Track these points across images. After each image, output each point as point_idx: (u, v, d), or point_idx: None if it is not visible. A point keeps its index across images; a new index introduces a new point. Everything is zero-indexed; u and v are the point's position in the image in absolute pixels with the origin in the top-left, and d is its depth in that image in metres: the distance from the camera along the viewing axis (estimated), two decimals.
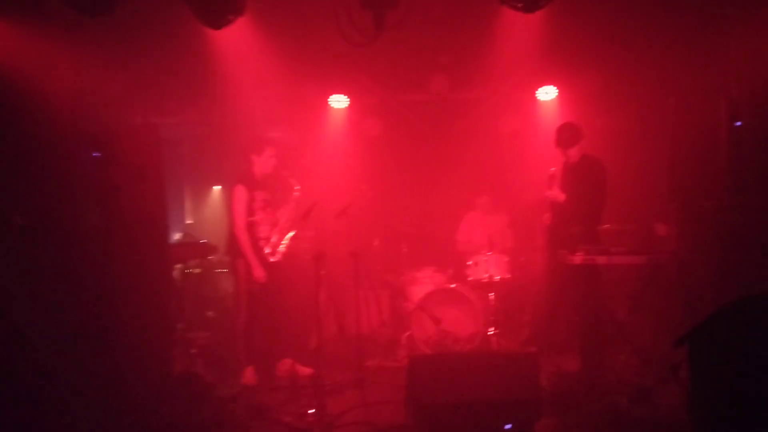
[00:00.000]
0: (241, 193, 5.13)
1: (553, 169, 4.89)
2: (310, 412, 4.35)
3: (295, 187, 5.31)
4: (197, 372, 4.97)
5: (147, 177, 4.71)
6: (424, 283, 6.05)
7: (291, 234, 5.35)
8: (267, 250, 5.21)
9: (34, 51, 4.39)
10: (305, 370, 5.18)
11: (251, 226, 5.16)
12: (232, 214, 5.19)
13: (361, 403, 4.56)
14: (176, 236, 6.75)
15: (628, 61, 5.64)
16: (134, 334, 4.49)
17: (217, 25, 4.64)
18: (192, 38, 5.11)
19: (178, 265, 5.95)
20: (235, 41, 5.22)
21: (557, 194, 4.82)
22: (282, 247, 5.28)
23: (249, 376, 5.14)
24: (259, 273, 5.08)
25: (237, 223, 5.14)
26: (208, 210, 8.24)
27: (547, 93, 6.58)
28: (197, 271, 6.55)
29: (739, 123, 4.76)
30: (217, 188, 8.29)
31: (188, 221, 7.95)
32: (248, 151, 5.26)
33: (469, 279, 5.96)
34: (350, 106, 6.90)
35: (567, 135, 4.87)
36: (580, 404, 4.29)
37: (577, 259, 4.63)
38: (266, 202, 5.27)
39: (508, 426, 3.74)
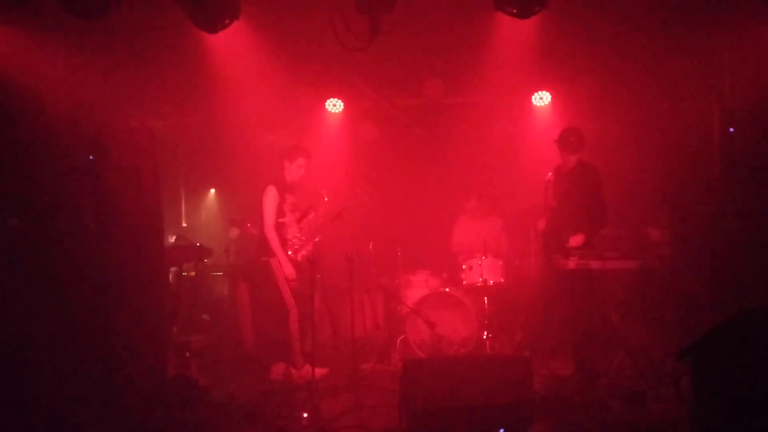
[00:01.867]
0: (272, 193, 5.29)
1: (549, 174, 4.92)
2: (304, 415, 4.33)
3: (325, 197, 5.48)
4: (191, 375, 4.95)
5: (142, 180, 4.73)
6: (418, 286, 6.07)
7: (317, 239, 5.47)
8: (290, 252, 5.31)
9: (29, 54, 4.39)
10: (306, 371, 5.10)
11: (280, 227, 5.30)
12: (262, 213, 5.31)
13: (355, 406, 4.56)
14: (171, 239, 6.73)
15: (622, 67, 5.67)
16: (128, 337, 4.49)
17: (213, 28, 4.64)
18: (188, 42, 5.12)
19: (173, 268, 5.94)
20: (231, 45, 5.23)
21: (551, 200, 4.86)
22: (305, 251, 5.34)
23: (278, 371, 5.24)
24: (289, 270, 5.22)
25: (267, 222, 5.28)
26: (203, 213, 8.23)
27: (542, 98, 6.60)
28: (192, 274, 6.53)
29: (732, 129, 4.78)
30: (212, 191, 8.29)
31: (183, 224, 7.94)
32: (281, 157, 5.43)
33: (464, 283, 5.97)
34: (345, 110, 6.91)
35: (573, 140, 4.90)
36: (573, 408, 4.29)
37: (571, 263, 4.65)
38: (295, 205, 5.43)
39: (501, 430, 3.73)
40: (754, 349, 2.13)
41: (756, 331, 2.15)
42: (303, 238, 5.40)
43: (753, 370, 2.11)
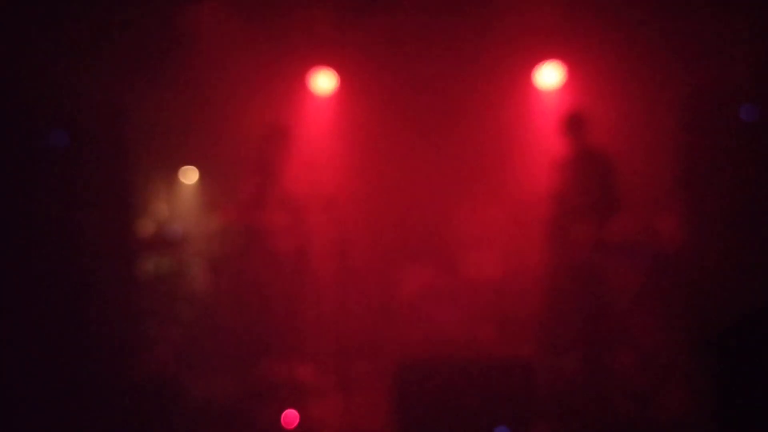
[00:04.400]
0: (247, 180, 5.18)
1: (560, 159, 4.84)
2: (289, 416, 4.18)
3: (314, 182, 5.35)
4: (169, 373, 4.81)
5: (115, 163, 4.65)
6: (414, 279, 5.90)
7: (304, 227, 5.32)
8: (275, 242, 5.17)
9: None
10: (292, 370, 5.04)
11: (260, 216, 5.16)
12: (241, 198, 5.19)
13: (345, 407, 4.43)
14: (148, 227, 6.52)
15: (639, 44, 5.47)
16: (103, 331, 4.37)
17: None
18: (164, 15, 4.88)
19: (151, 258, 5.77)
20: (212, 16, 5.02)
21: (561, 187, 4.78)
22: (292, 241, 5.22)
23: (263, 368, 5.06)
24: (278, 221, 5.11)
25: (235, 206, 5.19)
26: (183, 199, 8.02)
27: (548, 75, 6.34)
28: (171, 264, 6.34)
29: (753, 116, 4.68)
30: (193, 175, 8.05)
31: (161, 211, 7.73)
32: (262, 139, 5.28)
33: (464, 276, 5.82)
34: (339, 87, 6.67)
35: (572, 124, 4.84)
36: (577, 407, 4.22)
37: (578, 255, 4.58)
38: (280, 191, 5.27)
39: (502, 429, 3.66)
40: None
41: None
42: (289, 226, 5.22)
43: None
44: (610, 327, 4.76)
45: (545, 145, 5.21)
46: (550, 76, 6.15)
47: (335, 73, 6.31)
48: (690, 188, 4.84)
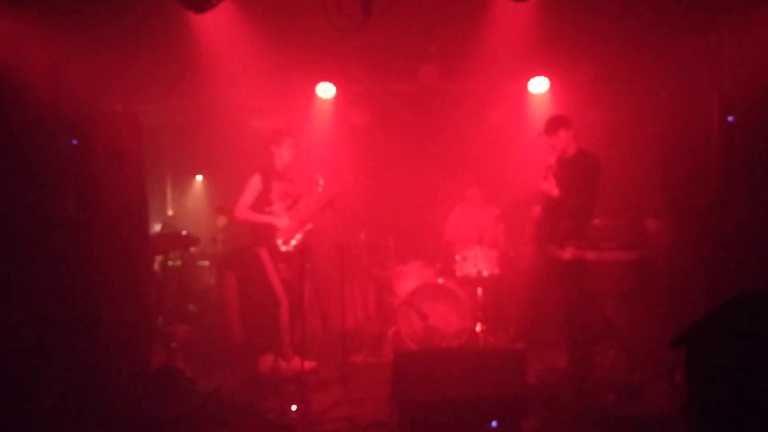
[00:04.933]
0: (254, 181, 5.21)
1: (551, 160, 4.83)
2: (293, 408, 4.29)
3: (320, 182, 5.32)
4: (177, 366, 4.86)
5: (127, 166, 4.61)
6: (411, 277, 5.98)
7: (308, 227, 5.33)
8: (279, 241, 5.19)
9: (9, 35, 4.24)
10: (295, 364, 5.04)
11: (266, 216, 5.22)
12: (238, 200, 5.23)
13: (346, 399, 4.51)
14: (157, 227, 6.62)
15: (620, 53, 5.58)
16: (113, 328, 4.41)
17: (200, 8, 4.50)
18: (174, 23, 4.97)
19: (159, 257, 5.82)
20: (218, 26, 5.10)
21: (552, 187, 4.75)
22: (295, 240, 5.22)
23: (267, 363, 5.14)
24: (283, 222, 5.17)
25: (237, 205, 5.20)
26: (189, 201, 8.12)
27: (539, 85, 6.50)
28: (178, 263, 6.45)
29: (731, 118, 4.73)
30: (199, 178, 8.16)
31: (169, 212, 7.83)
32: (268, 143, 5.32)
33: (457, 274, 5.90)
34: (337, 95, 6.78)
35: (552, 123, 4.84)
36: (567, 401, 4.27)
37: (567, 254, 4.59)
38: (286, 193, 5.32)
39: (494, 423, 3.70)
40: (750, 334, 2.08)
41: (753, 316, 2.10)
42: (293, 226, 5.26)
43: (750, 356, 2.06)
44: (597, 323, 4.79)
45: (534, 149, 5.26)
46: (539, 86, 6.34)
47: (335, 83, 6.47)
48: (671, 191, 4.88)
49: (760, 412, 2.04)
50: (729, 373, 2.20)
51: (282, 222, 5.18)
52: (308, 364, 4.86)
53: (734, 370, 2.17)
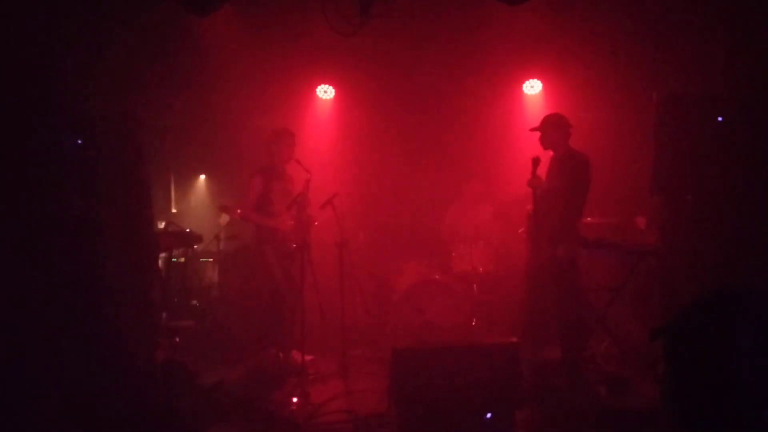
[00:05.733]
0: (255, 182, 5.26)
1: (536, 156, 4.85)
2: (293, 401, 4.37)
3: (307, 176, 5.22)
4: (181, 361, 4.86)
5: (131, 165, 4.67)
6: (408, 273, 6.06)
7: (313, 224, 5.39)
8: (282, 239, 5.24)
9: (14, 37, 4.29)
10: (295, 358, 5.12)
11: (269, 216, 5.27)
12: (243, 201, 5.29)
13: (345, 392, 4.58)
14: (161, 225, 6.67)
15: (612, 55, 5.64)
16: (118, 323, 4.40)
17: (203, 11, 4.58)
18: (177, 25, 5.04)
19: (163, 254, 5.85)
20: (220, 29, 5.16)
21: (539, 182, 4.77)
22: (297, 238, 5.21)
23: (268, 357, 5.18)
24: (285, 224, 5.19)
25: (242, 207, 5.27)
26: (193, 199, 8.18)
27: (533, 87, 6.58)
28: (182, 260, 6.50)
29: (720, 119, 4.78)
30: (202, 177, 8.23)
31: (173, 210, 7.88)
32: (267, 142, 5.36)
33: (454, 270, 5.97)
34: (336, 95, 6.85)
35: (545, 121, 4.85)
36: (560, 394, 4.33)
37: (559, 251, 4.64)
38: (286, 192, 5.35)
39: (488, 415, 3.76)
40: (728, 329, 2.06)
41: (730, 311, 2.08)
42: (295, 224, 5.30)
43: (727, 350, 2.04)
44: (589, 318, 4.85)
45: (529, 147, 5.31)
46: (533, 88, 6.39)
47: (335, 83, 6.51)
48: (661, 190, 4.93)
49: (736, 406, 2.11)
50: (706, 366, 2.27)
51: (285, 223, 5.23)
52: (309, 358, 4.92)
53: (711, 364, 2.22)
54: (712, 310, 2.32)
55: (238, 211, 5.40)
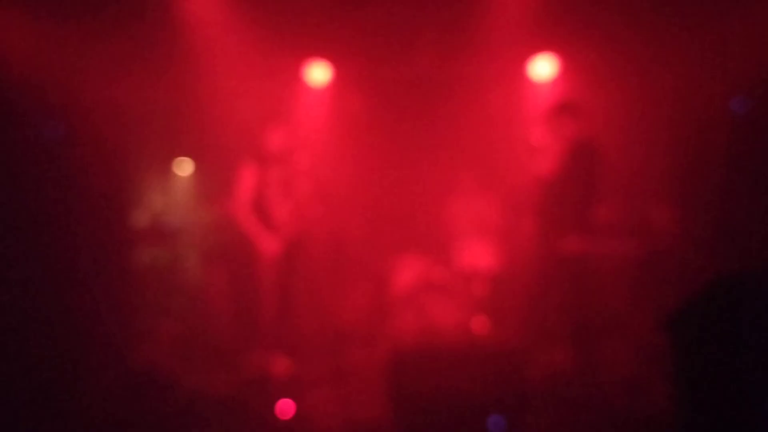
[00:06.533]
0: (246, 171, 5.03)
1: (538, 138, 4.76)
2: (284, 406, 4.14)
3: (302, 161, 5.11)
4: (164, 362, 4.78)
5: (111, 157, 4.58)
6: (408, 271, 5.86)
7: (317, 212, 5.27)
8: (273, 235, 5.04)
9: None
10: (281, 362, 5.01)
11: (264, 206, 5.05)
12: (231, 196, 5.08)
13: (340, 396, 4.42)
14: (143, 219, 6.48)
15: (631, 35, 5.45)
16: (96, 323, 4.40)
17: None
18: (157, 4, 4.83)
19: (146, 250, 5.77)
20: (205, 9, 4.97)
21: (541, 167, 4.67)
22: (289, 235, 5.07)
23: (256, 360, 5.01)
24: (269, 245, 4.94)
25: (232, 200, 5.05)
26: (178, 191, 7.98)
27: (541, 67, 6.32)
28: (165, 256, 6.31)
29: (736, 106, 4.69)
30: (188, 171, 8.00)
31: (157, 205, 7.69)
32: (260, 127, 5.14)
33: (455, 267, 5.82)
34: (330, 80, 6.64)
35: (564, 112, 4.77)
36: (569, 399, 4.19)
37: (569, 246, 4.52)
38: (282, 180, 5.14)
39: (491, 419, 3.65)
40: (734, 317, 2.08)
41: (737, 298, 2.08)
42: (289, 213, 5.11)
43: (734, 339, 2.06)
44: (602, 317, 4.74)
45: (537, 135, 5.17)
46: (543, 68, 6.13)
47: (329, 64, 6.30)
48: (681, 181, 4.86)
49: (744, 397, 1.99)
50: (713, 356, 2.13)
51: (270, 247, 4.97)
52: (301, 361, 4.81)
53: (718, 354, 2.11)
54: (721, 297, 2.17)
55: (226, 208, 5.19)
